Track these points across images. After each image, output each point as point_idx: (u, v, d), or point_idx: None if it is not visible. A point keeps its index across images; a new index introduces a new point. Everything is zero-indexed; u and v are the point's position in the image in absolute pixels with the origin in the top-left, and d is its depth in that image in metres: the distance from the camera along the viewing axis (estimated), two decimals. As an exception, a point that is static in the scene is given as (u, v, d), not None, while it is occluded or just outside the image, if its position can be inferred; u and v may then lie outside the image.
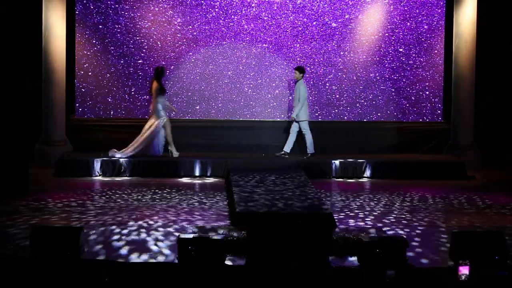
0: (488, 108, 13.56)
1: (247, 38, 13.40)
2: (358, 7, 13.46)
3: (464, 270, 5.49)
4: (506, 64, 13.50)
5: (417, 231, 7.83)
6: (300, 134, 12.60)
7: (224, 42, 13.38)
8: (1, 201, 9.14)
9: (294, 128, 12.61)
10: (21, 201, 9.23)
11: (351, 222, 8.30)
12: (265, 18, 13.41)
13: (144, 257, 6.66)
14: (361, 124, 13.61)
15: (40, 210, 8.78)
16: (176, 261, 5.77)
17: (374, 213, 8.82)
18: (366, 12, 13.49)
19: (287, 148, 12.61)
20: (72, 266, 5.41)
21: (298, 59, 13.44)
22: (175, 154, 12.24)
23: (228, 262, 6.07)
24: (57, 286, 5.30)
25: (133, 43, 13.24)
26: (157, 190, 10.34)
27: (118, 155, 11.95)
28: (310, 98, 13.48)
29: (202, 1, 13.33)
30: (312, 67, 13.49)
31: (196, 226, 7.49)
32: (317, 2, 13.42)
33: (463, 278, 5.47)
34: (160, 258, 6.63)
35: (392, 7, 13.49)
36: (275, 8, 13.39)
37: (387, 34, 13.52)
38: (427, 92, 13.68)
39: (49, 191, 10.08)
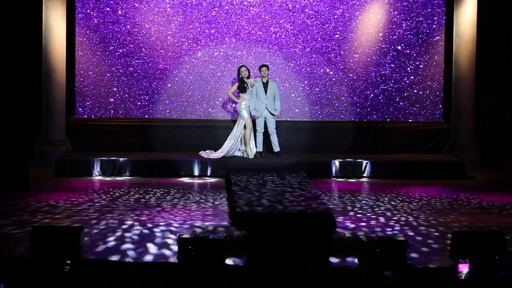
0: (488, 105, 13.56)
1: (247, 38, 13.40)
2: (359, 7, 13.47)
3: (464, 270, 5.49)
4: (506, 61, 13.50)
5: (417, 231, 7.82)
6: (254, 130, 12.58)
7: (224, 42, 13.38)
8: (1, 201, 9.13)
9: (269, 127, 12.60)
10: (21, 201, 9.22)
11: (351, 222, 8.29)
12: (265, 18, 13.41)
13: (144, 257, 6.65)
14: (361, 124, 13.61)
15: (40, 210, 8.76)
16: (176, 261, 5.77)
17: (374, 213, 8.81)
18: (366, 12, 13.49)
19: (277, 148, 12.67)
20: (72, 266, 5.40)
21: (298, 59, 13.44)
22: (250, 155, 12.34)
23: (228, 262, 6.06)
24: (57, 286, 5.30)
25: (133, 43, 13.23)
26: (157, 190, 10.34)
27: (211, 156, 12.16)
28: (311, 97, 13.54)
29: (202, 1, 13.33)
30: (312, 67, 13.49)
31: (196, 226, 7.48)
32: (317, 2, 13.42)
33: (463, 278, 5.47)
34: (160, 258, 6.62)
35: (392, 6, 13.50)
36: (275, 8, 13.39)
37: (387, 34, 13.52)
38: (427, 92, 13.68)
39: (49, 191, 10.08)
